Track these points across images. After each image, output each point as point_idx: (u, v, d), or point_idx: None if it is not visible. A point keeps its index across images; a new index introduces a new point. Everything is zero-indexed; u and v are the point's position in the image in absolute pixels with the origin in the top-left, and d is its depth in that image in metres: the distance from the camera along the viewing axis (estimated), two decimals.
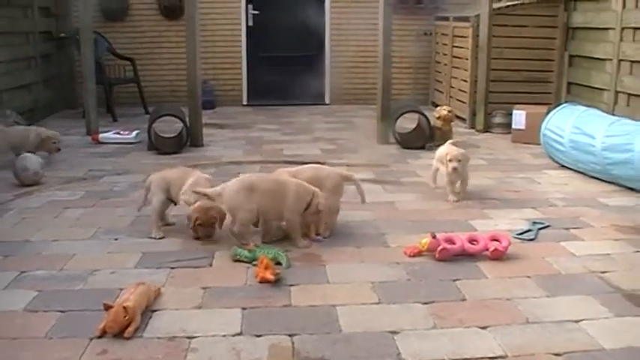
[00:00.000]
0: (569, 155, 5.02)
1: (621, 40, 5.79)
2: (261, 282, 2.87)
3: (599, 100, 6.11)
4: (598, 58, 6.26)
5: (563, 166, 5.18)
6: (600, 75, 6.19)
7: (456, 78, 7.66)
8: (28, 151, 4.85)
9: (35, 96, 7.38)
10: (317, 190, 3.41)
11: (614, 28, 5.89)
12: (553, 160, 5.32)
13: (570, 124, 5.02)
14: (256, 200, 3.29)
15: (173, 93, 8.40)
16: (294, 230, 3.39)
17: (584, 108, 5.27)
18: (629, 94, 5.69)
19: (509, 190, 4.58)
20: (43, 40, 7.66)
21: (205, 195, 3.35)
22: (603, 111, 5.37)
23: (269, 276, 2.86)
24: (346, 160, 5.40)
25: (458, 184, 4.27)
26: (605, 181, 4.66)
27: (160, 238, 3.48)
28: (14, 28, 6.93)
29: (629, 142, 4.38)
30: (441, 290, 2.84)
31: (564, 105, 5.45)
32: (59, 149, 5.17)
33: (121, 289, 2.72)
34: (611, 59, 5.96)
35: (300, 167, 3.78)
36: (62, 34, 8.12)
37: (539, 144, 5.54)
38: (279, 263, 3.06)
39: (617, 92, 5.86)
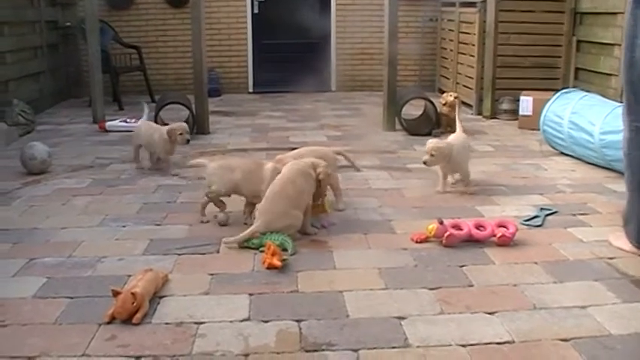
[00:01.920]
0: (571, 149, 4.96)
1: None
2: (268, 268, 2.88)
3: (607, 86, 6.07)
4: (606, 43, 6.20)
5: None
6: (608, 60, 6.14)
7: (462, 64, 7.61)
8: (157, 151, 4.65)
9: (42, 85, 7.40)
10: (316, 161, 3.40)
11: (622, 13, 5.83)
12: (558, 150, 5.27)
13: (567, 119, 4.91)
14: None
15: (179, 81, 8.41)
16: (307, 215, 3.37)
17: (579, 96, 5.09)
18: None
19: (516, 176, 4.56)
20: (49, 29, 7.66)
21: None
22: (605, 97, 5.27)
23: (276, 262, 2.87)
24: (352, 147, 5.39)
25: (457, 175, 4.16)
26: (611, 168, 4.64)
27: (205, 222, 3.52)
28: (20, 18, 6.93)
29: None
30: (448, 276, 2.84)
31: (558, 95, 5.29)
32: (188, 140, 4.55)
33: (129, 276, 2.75)
34: (619, 44, 5.90)
35: (297, 151, 3.81)
36: (68, 23, 8.13)
37: None
38: (285, 249, 3.06)
39: None
